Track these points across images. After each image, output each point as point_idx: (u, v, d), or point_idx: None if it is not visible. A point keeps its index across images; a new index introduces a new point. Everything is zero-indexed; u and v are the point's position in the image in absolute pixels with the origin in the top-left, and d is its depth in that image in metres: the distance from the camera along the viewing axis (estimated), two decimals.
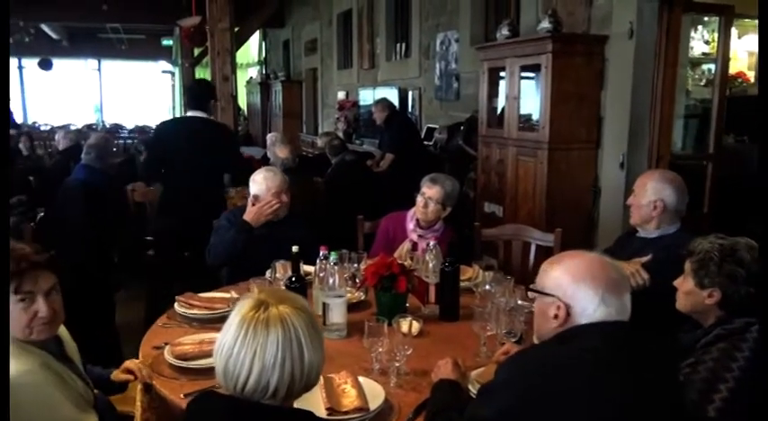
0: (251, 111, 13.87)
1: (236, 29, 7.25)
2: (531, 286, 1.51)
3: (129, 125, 15.16)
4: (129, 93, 17.58)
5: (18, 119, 15.48)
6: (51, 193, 4.35)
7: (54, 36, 14.28)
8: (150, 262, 4.31)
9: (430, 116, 6.70)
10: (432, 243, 2.39)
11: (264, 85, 12.72)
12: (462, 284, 2.36)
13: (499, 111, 4.62)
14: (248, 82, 14.32)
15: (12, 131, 8.34)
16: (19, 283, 1.56)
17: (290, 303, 1.26)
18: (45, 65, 15.16)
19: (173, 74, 16.12)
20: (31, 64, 15.98)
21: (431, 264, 2.31)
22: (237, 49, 7.70)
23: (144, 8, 10.83)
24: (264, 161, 5.94)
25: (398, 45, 7.60)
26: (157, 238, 4.12)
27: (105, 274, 3.86)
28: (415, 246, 2.90)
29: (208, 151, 3.82)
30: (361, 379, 1.69)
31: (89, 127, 13.51)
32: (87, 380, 1.77)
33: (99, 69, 17.24)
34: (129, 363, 1.93)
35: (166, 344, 1.96)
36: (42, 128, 13.33)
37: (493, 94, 4.64)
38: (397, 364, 1.74)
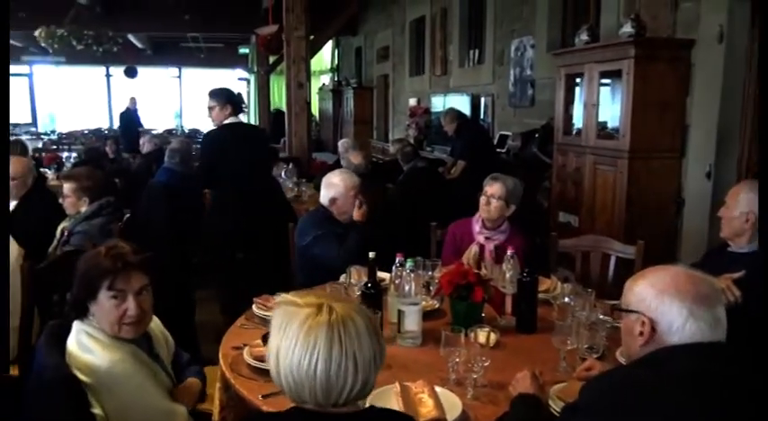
0: (323, 118, 14.11)
1: (312, 37, 7.38)
2: (615, 305, 1.45)
3: (205, 130, 15.69)
4: (206, 99, 18.23)
5: (105, 123, 16.35)
6: (136, 195, 4.56)
7: (139, 45, 14.98)
8: (226, 263, 4.43)
9: (503, 123, 6.61)
10: (509, 252, 2.35)
11: (336, 91, 12.91)
12: (539, 296, 2.30)
13: (575, 118, 4.51)
14: (320, 89, 14.56)
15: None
16: (113, 281, 1.64)
17: (338, 298, 1.27)
18: (130, 73, 15.94)
19: (248, 81, 16.59)
20: (117, 72, 16.83)
21: (508, 274, 2.27)
22: (312, 57, 7.84)
23: (223, 18, 11.24)
24: (336, 166, 6.02)
25: (472, 51, 7.54)
26: (210, 240, 4.28)
27: (186, 274, 4.00)
28: (482, 248, 2.89)
29: (257, 151, 4.22)
30: (437, 389, 1.67)
31: (169, 132, 14.09)
32: (172, 376, 1.83)
33: (179, 77, 17.96)
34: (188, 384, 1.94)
35: (245, 345, 2.00)
36: None
37: (569, 100, 4.53)
38: (475, 376, 1.71)
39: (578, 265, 3.12)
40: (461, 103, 7.03)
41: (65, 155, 7.66)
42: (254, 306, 2.32)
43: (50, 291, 2.72)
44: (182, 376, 1.96)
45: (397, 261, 2.17)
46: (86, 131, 14.12)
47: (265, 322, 2.26)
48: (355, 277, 2.42)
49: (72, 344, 1.66)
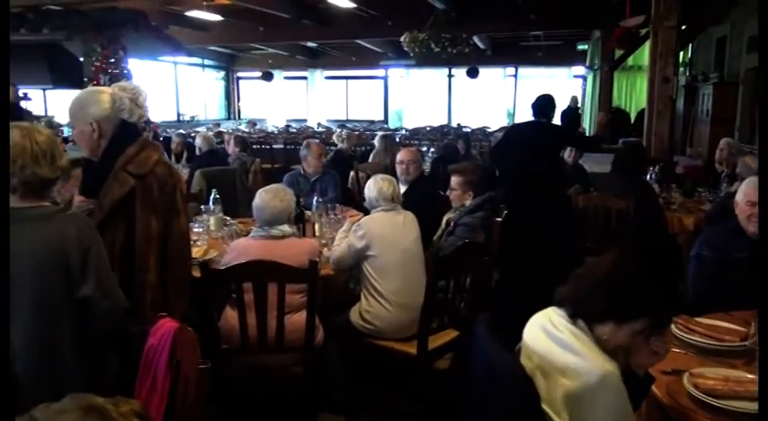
0: None
1: (683, 27, 6.70)
2: None
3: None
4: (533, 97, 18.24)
5: (443, 120, 17.55)
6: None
7: (481, 46, 15.63)
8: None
9: None
10: None
11: (689, 87, 11.63)
12: None
13: None
14: None
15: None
16: None
17: None
18: (472, 73, 16.80)
19: (584, 78, 16.06)
20: (458, 72, 17.87)
21: None
22: (681, 50, 7.12)
23: (569, 15, 11.02)
24: (711, 171, 5.37)
25: None
26: None
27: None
28: None
29: (541, 151, 4.44)
30: None
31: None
32: None
33: (515, 75, 18.26)
34: None
35: (674, 370, 1.78)
36: (465, 129, 14.69)
37: None
38: None
39: None
40: None
41: (423, 149, 8.31)
42: (673, 326, 2.07)
43: (442, 278, 2.88)
44: None
45: None
46: (428, 128, 15.26)
47: (687, 346, 2.01)
48: None
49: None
